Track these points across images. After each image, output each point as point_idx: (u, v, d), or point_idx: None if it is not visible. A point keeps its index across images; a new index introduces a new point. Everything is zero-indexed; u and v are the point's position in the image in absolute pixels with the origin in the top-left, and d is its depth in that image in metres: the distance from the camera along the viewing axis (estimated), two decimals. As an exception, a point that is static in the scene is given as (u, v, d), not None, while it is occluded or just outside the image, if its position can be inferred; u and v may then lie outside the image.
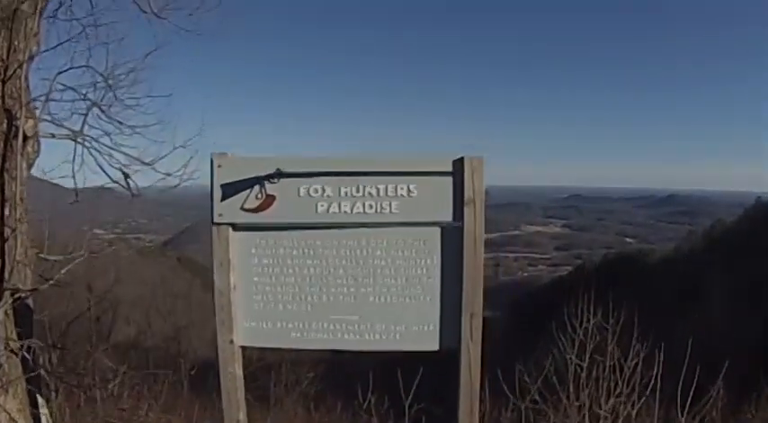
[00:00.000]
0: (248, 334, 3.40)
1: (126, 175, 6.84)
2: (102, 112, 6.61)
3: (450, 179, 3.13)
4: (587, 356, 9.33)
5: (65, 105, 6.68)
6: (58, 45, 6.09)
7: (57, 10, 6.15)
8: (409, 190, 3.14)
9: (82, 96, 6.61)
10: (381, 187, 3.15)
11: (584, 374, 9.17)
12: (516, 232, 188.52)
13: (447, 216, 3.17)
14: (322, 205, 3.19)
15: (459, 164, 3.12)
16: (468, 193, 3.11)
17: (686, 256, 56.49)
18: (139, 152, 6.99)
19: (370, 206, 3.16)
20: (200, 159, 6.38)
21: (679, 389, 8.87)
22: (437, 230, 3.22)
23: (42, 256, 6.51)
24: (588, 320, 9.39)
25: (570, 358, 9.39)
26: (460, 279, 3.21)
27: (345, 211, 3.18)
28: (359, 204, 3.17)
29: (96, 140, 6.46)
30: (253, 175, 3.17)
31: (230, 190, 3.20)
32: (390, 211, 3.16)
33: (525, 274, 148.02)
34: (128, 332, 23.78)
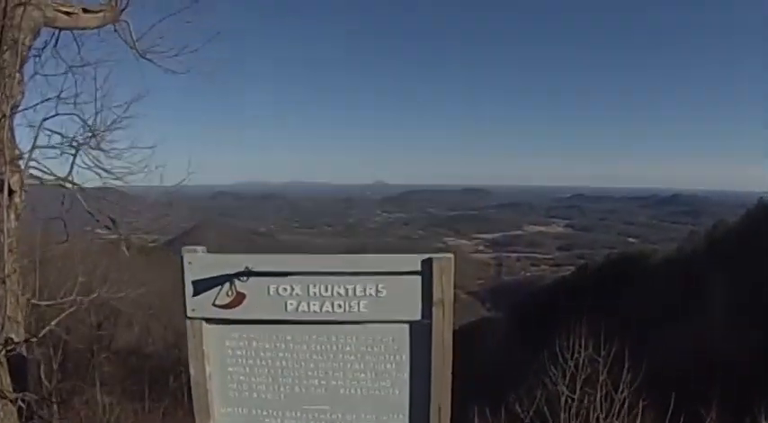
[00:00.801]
0: (225, 420, 3.46)
1: (113, 220, 6.87)
2: (90, 158, 6.66)
3: (418, 278, 3.14)
4: (578, 388, 9.32)
5: (52, 151, 6.69)
6: (44, 100, 6.12)
7: (43, 49, 6.20)
8: (378, 289, 3.16)
9: (68, 143, 6.61)
10: (350, 287, 3.17)
11: (574, 405, 9.18)
12: (519, 232, 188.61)
13: (416, 315, 3.18)
14: (291, 304, 3.22)
15: (427, 264, 3.13)
16: (436, 295, 3.13)
17: (688, 257, 56.40)
18: (127, 197, 7.04)
19: (339, 305, 3.19)
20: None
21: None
22: (406, 327, 3.24)
23: (35, 302, 6.55)
24: (580, 353, 9.38)
25: (562, 390, 9.39)
26: (429, 374, 3.23)
27: (315, 311, 3.21)
28: (327, 304, 3.20)
29: (82, 188, 6.50)
30: (222, 273, 3.21)
31: (201, 286, 3.26)
32: (359, 311, 3.19)
33: (528, 274, 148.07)
34: (129, 337, 23.89)
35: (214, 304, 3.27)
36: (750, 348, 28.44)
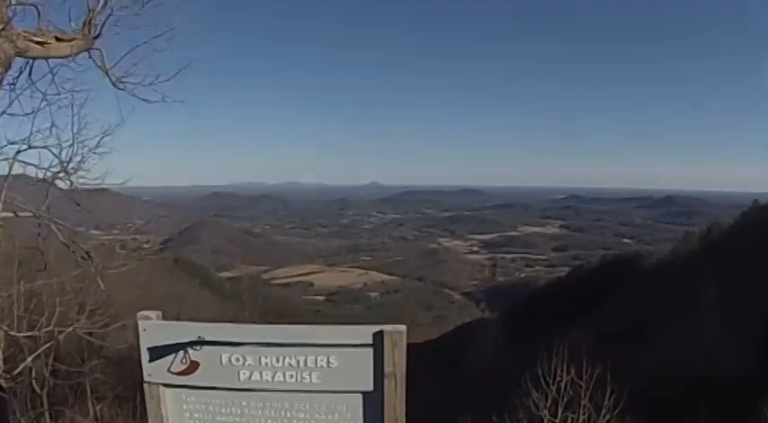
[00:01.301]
0: None
1: (88, 253, 6.85)
2: (63, 192, 6.66)
3: (370, 350, 3.15)
4: (560, 412, 9.32)
5: (28, 180, 6.68)
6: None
7: (17, 77, 6.17)
8: (329, 361, 3.18)
9: (42, 176, 6.59)
10: (302, 358, 3.19)
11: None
12: (514, 233, 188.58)
13: (368, 386, 3.21)
14: (244, 373, 3.26)
15: (378, 337, 3.15)
16: (388, 367, 3.15)
17: (683, 259, 56.52)
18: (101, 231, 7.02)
19: (291, 376, 3.22)
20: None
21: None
22: (359, 396, 3.26)
23: (12, 334, 6.54)
24: (561, 377, 9.38)
25: (544, 414, 9.39)
26: (382, 444, 3.23)
27: (267, 380, 3.24)
28: (280, 374, 3.23)
29: (57, 222, 6.48)
30: (176, 342, 3.25)
31: (156, 353, 3.29)
32: (311, 381, 3.22)
33: (522, 275, 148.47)
34: (121, 342, 23.82)
35: (169, 371, 3.30)
36: (743, 351, 28.45)
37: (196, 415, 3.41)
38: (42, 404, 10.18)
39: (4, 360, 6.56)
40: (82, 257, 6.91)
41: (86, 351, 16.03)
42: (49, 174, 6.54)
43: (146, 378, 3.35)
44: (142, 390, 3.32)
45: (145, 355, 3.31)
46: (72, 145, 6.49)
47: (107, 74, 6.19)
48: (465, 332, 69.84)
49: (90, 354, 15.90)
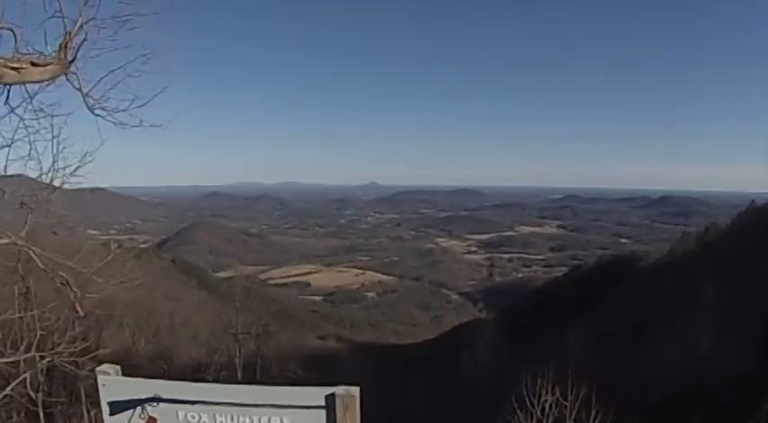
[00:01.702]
0: None
1: (67, 281, 6.69)
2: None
3: (323, 412, 3.12)
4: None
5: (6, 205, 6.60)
6: None
7: None
8: (282, 422, 3.15)
9: (20, 204, 6.48)
10: (256, 418, 3.16)
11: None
12: (511, 233, 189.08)
13: None
14: None
15: (331, 399, 3.11)
16: (340, 430, 3.08)
17: (680, 260, 56.49)
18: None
19: None
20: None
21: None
22: None
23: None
24: (546, 399, 9.21)
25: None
26: None
27: None
28: None
29: (35, 250, 6.29)
30: (134, 398, 3.22)
31: (116, 408, 3.25)
32: None
33: (520, 275, 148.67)
34: (116, 346, 23.60)
35: None
36: (742, 358, 28.32)
37: (158, 464, 3.32)
38: (37, 407, 10.03)
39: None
40: (61, 283, 6.76)
41: (78, 357, 15.84)
42: (27, 199, 6.37)
43: (107, 431, 3.26)
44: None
45: (105, 409, 3.28)
46: (51, 171, 6.33)
47: (84, 98, 6.01)
48: (462, 332, 69.87)
49: (83, 361, 15.69)
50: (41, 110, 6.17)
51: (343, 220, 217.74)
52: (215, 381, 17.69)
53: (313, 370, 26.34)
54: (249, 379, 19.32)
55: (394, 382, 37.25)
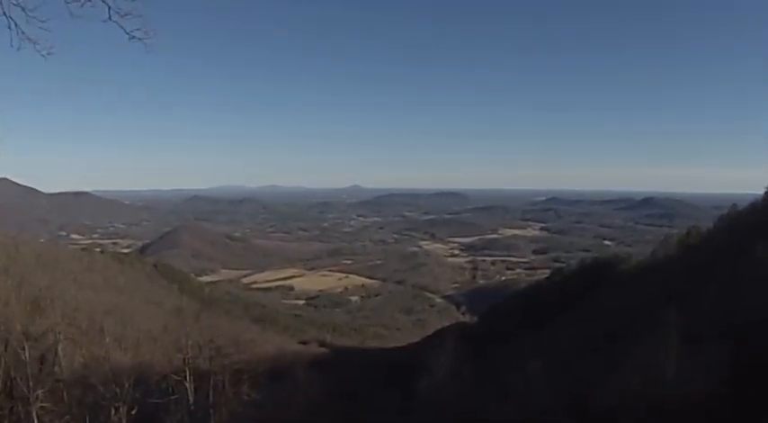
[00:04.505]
0: None
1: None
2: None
3: None
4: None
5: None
6: None
7: None
8: None
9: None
10: None
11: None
12: (494, 236, 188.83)
13: None
14: None
15: None
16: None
17: (662, 263, 56.30)
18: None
19: None
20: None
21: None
22: None
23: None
24: None
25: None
26: None
27: None
28: None
29: None
30: None
31: None
32: None
33: (503, 278, 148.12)
34: (75, 365, 22.62)
35: None
36: (719, 364, 28.08)
37: None
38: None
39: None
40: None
41: (31, 380, 15.07)
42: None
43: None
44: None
45: None
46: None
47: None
48: (444, 336, 69.27)
49: (36, 383, 14.96)
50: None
51: (326, 224, 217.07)
52: (166, 406, 16.91)
53: (276, 381, 25.53)
54: (201, 401, 18.44)
55: (364, 392, 36.47)
